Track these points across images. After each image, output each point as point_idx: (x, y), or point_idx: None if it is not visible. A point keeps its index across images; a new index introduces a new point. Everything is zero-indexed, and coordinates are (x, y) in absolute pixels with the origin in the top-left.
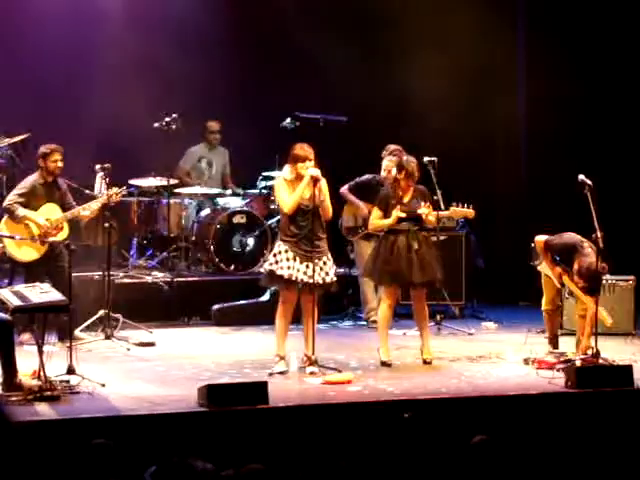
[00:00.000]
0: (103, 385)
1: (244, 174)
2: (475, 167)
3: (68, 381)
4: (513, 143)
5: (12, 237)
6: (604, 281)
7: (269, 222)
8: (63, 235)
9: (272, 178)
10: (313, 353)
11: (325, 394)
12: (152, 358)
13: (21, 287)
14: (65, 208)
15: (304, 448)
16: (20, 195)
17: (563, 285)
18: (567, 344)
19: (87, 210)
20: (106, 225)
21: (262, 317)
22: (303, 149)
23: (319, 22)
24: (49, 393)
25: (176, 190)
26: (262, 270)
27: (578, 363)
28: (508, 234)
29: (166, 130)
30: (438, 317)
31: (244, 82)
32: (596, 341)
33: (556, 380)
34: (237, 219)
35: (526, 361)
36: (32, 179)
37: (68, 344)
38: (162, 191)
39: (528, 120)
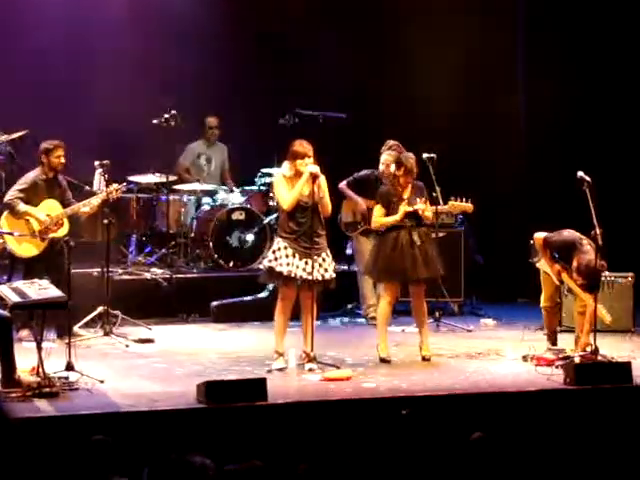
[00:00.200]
0: (102, 381)
1: (243, 171)
2: (474, 164)
3: (67, 377)
4: (513, 140)
5: (11, 234)
6: (603, 278)
7: (268, 219)
8: (63, 231)
9: (271, 175)
10: (312, 350)
11: (324, 391)
12: (151, 355)
13: (20, 283)
14: (65, 204)
15: (303, 445)
16: (21, 191)
17: (562, 282)
18: (566, 341)
19: (87, 206)
20: (105, 221)
21: (261, 314)
22: (302, 146)
23: (319, 18)
24: (48, 389)
25: (175, 187)
26: (261, 267)
27: (577, 360)
28: (507, 231)
29: (165, 126)
30: (437, 314)
31: (243, 78)
32: (595, 338)
33: (555, 377)
34: (236, 216)
35: (525, 358)
36: (33, 175)
37: (67, 340)
38: (161, 187)
39: (528, 117)
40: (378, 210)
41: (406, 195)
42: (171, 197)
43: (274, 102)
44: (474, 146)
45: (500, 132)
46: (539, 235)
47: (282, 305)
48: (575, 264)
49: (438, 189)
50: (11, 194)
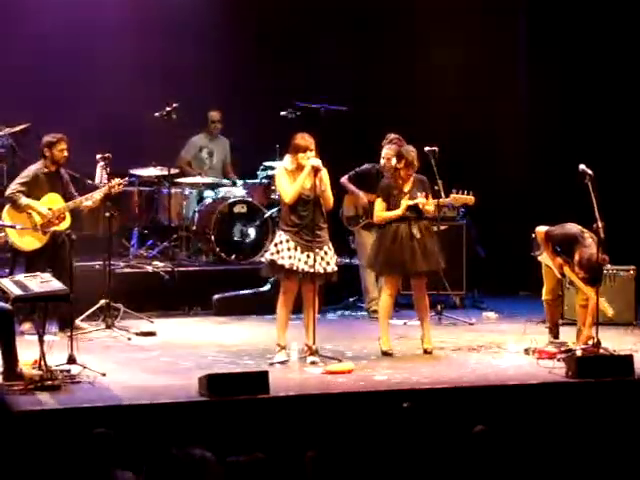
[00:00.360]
0: (104, 374)
1: (245, 164)
2: (476, 157)
3: (69, 370)
4: (514, 133)
5: (13, 227)
6: (605, 271)
7: (270, 212)
8: (65, 225)
9: (273, 168)
10: (314, 343)
11: (326, 384)
12: (153, 348)
13: (22, 277)
14: (67, 198)
15: (305, 437)
16: (23, 184)
17: (564, 275)
18: (568, 334)
19: (89, 200)
20: (107, 214)
21: (263, 307)
22: (304, 139)
23: (321, 12)
24: (50, 382)
25: (177, 180)
26: (263, 260)
27: (579, 353)
28: (509, 224)
29: (167, 120)
30: (439, 307)
31: (245, 72)
32: (597, 331)
33: (557, 370)
34: (238, 209)
35: (527, 351)
36: (35, 168)
37: (69, 334)
38: (163, 181)
39: (530, 110)
40: (379, 204)
41: (407, 188)
42: (173, 190)
43: (275, 95)
44: (476, 139)
45: (502, 125)
46: (541, 228)
47: (284, 298)
48: (577, 258)
49: (440, 182)
50: (13, 187)
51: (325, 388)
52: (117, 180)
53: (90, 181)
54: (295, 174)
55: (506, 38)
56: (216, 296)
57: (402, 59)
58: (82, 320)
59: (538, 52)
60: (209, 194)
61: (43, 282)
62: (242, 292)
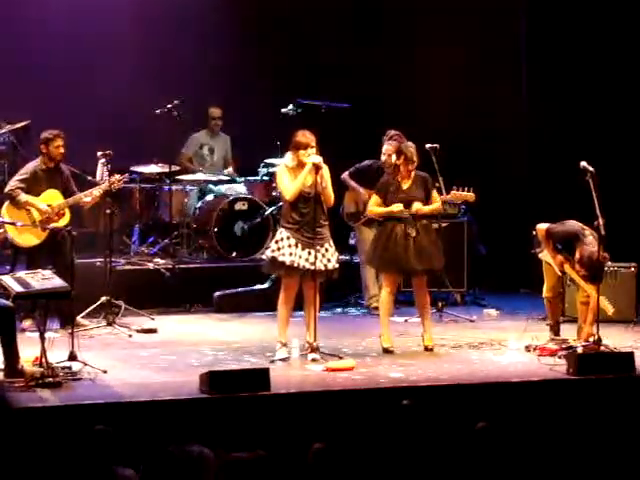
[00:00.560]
0: (105, 371)
1: (246, 161)
2: (477, 154)
3: (70, 367)
4: (515, 130)
5: (13, 223)
6: (606, 268)
7: (271, 209)
8: (65, 221)
9: (274, 165)
10: (315, 340)
11: (327, 381)
12: (154, 345)
13: (23, 273)
14: (67, 194)
15: (306, 435)
16: (21, 181)
17: (564, 273)
18: (569, 331)
19: (89, 197)
20: (108, 211)
21: (264, 304)
22: (305, 136)
23: (322, 8)
24: (51, 379)
25: (178, 177)
26: (264, 257)
27: (580, 350)
28: (509, 221)
29: (168, 116)
30: (439, 304)
31: (246, 68)
32: (598, 328)
33: (558, 367)
34: (239, 206)
35: (528, 348)
36: (34, 165)
37: (70, 331)
38: (164, 178)
39: (530, 107)
40: (374, 199)
41: (406, 186)
42: (174, 187)
43: (277, 92)
44: (476, 137)
45: (503, 123)
46: (542, 226)
47: (285, 295)
48: (577, 255)
49: (441, 179)
50: (12, 184)
51: (326, 385)
52: (117, 176)
53: (91, 178)
54: (296, 171)
55: (506, 38)
56: (217, 293)
57: (402, 58)
58: (83, 317)
59: (538, 52)
60: (210, 191)
61: (44, 279)
62: (243, 289)
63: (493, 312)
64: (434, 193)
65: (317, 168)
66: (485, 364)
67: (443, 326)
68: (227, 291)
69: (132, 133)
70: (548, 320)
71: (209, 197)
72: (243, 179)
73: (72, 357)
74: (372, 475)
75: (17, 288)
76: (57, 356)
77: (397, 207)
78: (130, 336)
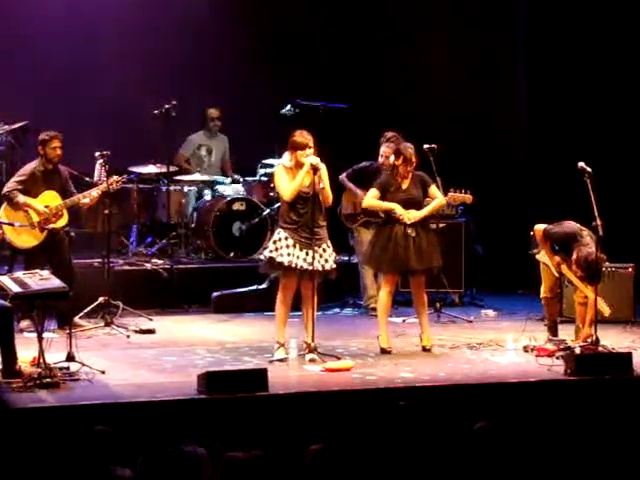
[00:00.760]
0: (103, 372)
1: (244, 161)
2: (475, 155)
3: (68, 368)
4: (513, 130)
5: (11, 224)
6: (603, 269)
7: (269, 209)
8: (62, 222)
9: (272, 165)
10: (313, 340)
11: (324, 381)
12: (152, 345)
13: (21, 274)
14: (66, 195)
15: (304, 435)
16: (19, 182)
17: (561, 274)
18: (566, 331)
19: (87, 198)
20: (106, 212)
21: (261, 304)
22: (303, 136)
23: (321, 8)
24: (49, 380)
25: (176, 177)
26: (262, 257)
27: (577, 350)
28: (507, 222)
29: (165, 117)
30: (437, 304)
31: (244, 69)
32: (596, 329)
33: (555, 367)
34: (237, 206)
35: (525, 348)
36: (32, 166)
37: (68, 331)
38: (162, 178)
39: (528, 107)
40: (373, 192)
41: (405, 186)
42: (172, 188)
43: (275, 92)
44: (474, 138)
45: (501, 124)
46: (539, 227)
47: (283, 295)
48: (575, 256)
49: (438, 180)
50: (9, 185)
51: (324, 385)
52: (115, 177)
53: (89, 179)
54: (294, 171)
55: (506, 38)
56: (215, 293)
57: (402, 58)
58: (81, 317)
59: (538, 52)
60: (208, 191)
61: (42, 279)
62: (241, 289)
63: (491, 313)
64: (433, 188)
65: (315, 168)
66: (483, 364)
67: (441, 326)
68: (225, 291)
69: (130, 134)
70: (546, 321)
71: (207, 197)
72: (241, 179)
73: (70, 358)
74: (370, 476)
75: (15, 288)
76: (55, 357)
77: (399, 209)
78: (128, 336)
